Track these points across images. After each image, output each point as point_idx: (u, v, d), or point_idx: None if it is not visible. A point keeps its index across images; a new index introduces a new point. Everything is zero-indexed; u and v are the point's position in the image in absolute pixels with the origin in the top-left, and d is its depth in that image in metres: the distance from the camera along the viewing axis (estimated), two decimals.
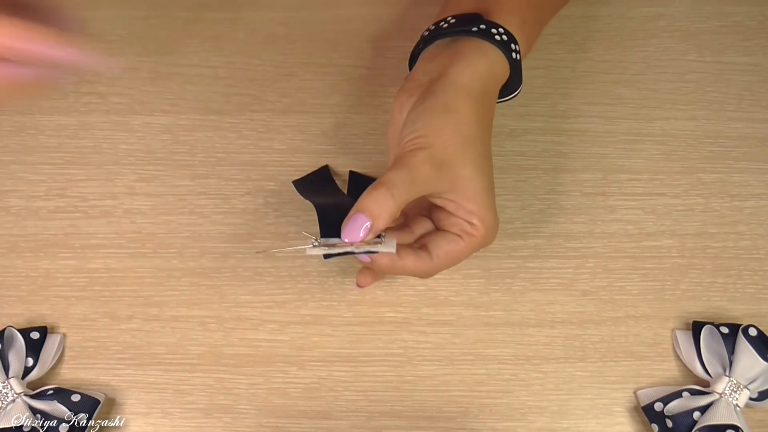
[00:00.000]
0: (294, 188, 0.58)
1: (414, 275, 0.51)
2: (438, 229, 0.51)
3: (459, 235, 0.50)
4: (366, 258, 0.48)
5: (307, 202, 0.57)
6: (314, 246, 0.47)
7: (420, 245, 0.50)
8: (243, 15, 0.66)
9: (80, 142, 0.62)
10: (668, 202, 0.61)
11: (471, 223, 0.49)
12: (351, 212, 0.47)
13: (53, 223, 0.60)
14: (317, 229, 0.52)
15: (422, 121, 0.49)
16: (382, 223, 0.47)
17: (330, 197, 0.56)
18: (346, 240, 0.47)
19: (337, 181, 0.59)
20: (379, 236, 0.48)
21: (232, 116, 0.63)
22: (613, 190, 0.61)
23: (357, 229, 0.46)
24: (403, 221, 0.52)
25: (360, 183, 0.54)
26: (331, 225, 0.48)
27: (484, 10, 0.53)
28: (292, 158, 0.61)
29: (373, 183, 0.47)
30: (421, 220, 0.52)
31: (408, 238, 0.51)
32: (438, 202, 0.50)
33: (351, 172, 0.58)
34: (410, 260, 0.49)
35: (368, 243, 0.47)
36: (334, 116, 0.63)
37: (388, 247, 0.47)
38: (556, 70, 0.65)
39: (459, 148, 0.49)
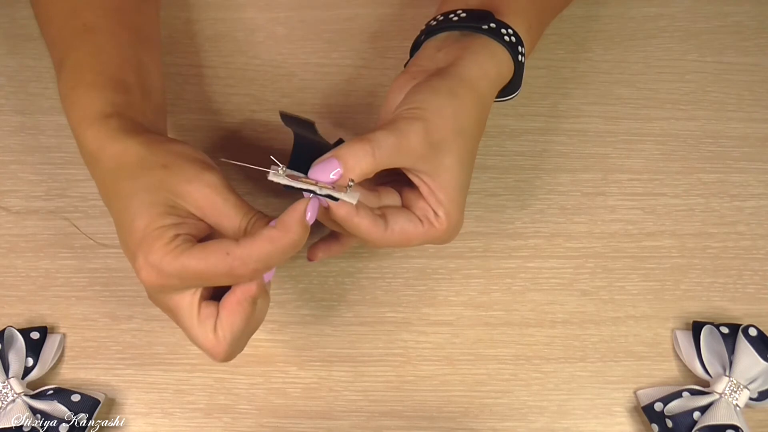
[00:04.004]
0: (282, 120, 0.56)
1: (363, 239, 0.49)
2: (404, 207, 0.50)
3: (420, 220, 0.49)
4: (324, 202, 0.46)
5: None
6: (277, 173, 0.45)
7: (380, 213, 0.49)
8: (243, 15, 0.66)
9: None
10: (668, 202, 0.61)
11: (436, 214, 0.49)
12: (326, 155, 0.46)
13: (53, 223, 0.60)
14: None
15: (424, 96, 0.49)
16: (352, 177, 0.46)
17: (314, 137, 0.54)
18: (312, 178, 0.46)
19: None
20: (345, 186, 0.46)
21: (232, 116, 0.63)
22: (613, 190, 0.61)
23: (326, 172, 0.45)
24: (373, 187, 0.51)
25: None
26: (303, 161, 0.47)
27: (492, 8, 0.53)
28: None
29: (360, 136, 0.46)
30: (390, 193, 0.51)
31: (373, 201, 0.50)
32: (414, 179, 0.49)
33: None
34: (366, 221, 0.47)
35: (332, 187, 0.46)
36: (334, 116, 0.63)
37: (350, 197, 0.46)
38: (557, 70, 0.65)
39: (451, 135, 0.48)
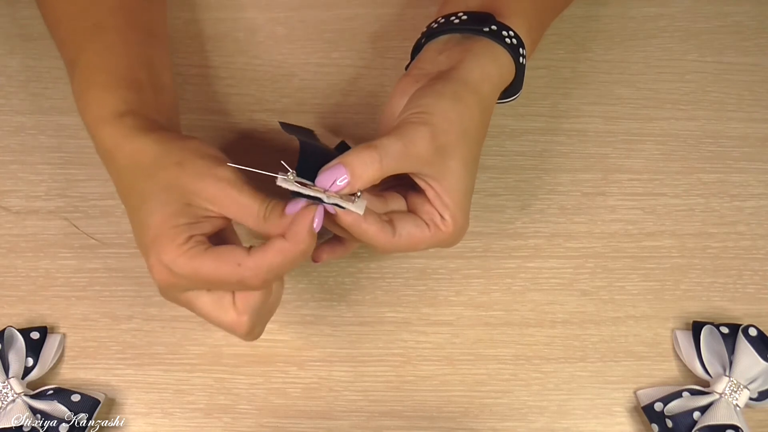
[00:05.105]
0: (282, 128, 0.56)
1: (372, 245, 0.49)
2: (410, 211, 0.51)
3: (427, 224, 0.49)
4: (332, 209, 0.47)
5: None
6: (286, 179, 0.46)
7: (388, 219, 0.49)
8: (243, 15, 0.66)
9: (80, 142, 0.62)
10: (668, 202, 0.61)
11: (442, 217, 0.49)
12: (334, 161, 0.46)
13: (53, 223, 0.60)
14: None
15: (429, 100, 0.49)
16: (360, 185, 0.46)
17: (316, 143, 0.54)
18: (319, 186, 0.46)
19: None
20: (353, 194, 0.47)
21: (232, 116, 0.63)
22: (613, 190, 0.61)
23: (334, 179, 0.46)
24: (379, 192, 0.51)
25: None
26: (309, 167, 0.47)
27: (493, 10, 0.53)
28: (292, 158, 0.61)
29: (367, 143, 0.47)
30: (396, 197, 0.51)
31: (380, 207, 0.50)
32: (420, 183, 0.49)
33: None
34: (373, 228, 0.48)
35: (340, 196, 0.46)
36: (334, 116, 0.63)
37: (357, 207, 0.46)
38: (557, 70, 0.65)
39: (456, 138, 0.49)
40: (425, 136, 0.47)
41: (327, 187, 0.46)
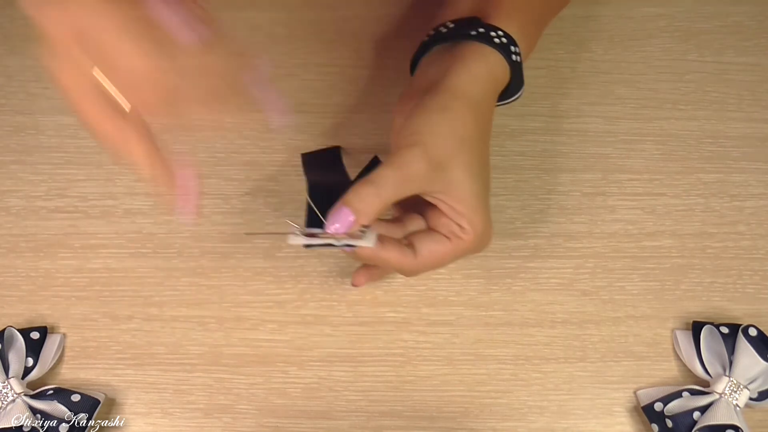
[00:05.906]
0: (300, 163, 0.57)
1: (397, 270, 0.50)
2: (429, 228, 0.51)
3: (447, 237, 0.50)
4: (348, 248, 0.48)
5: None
6: (296, 235, 0.47)
7: (408, 242, 0.50)
8: (243, 15, 0.66)
9: (80, 142, 0.62)
10: (668, 202, 0.61)
11: (461, 226, 0.49)
12: (336, 205, 0.47)
13: (53, 223, 0.60)
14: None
15: (418, 119, 0.49)
16: (365, 220, 0.46)
17: (331, 178, 0.55)
18: (328, 231, 0.47)
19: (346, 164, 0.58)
20: (362, 229, 0.47)
21: (232, 116, 0.63)
22: (613, 190, 0.61)
23: (339, 221, 0.46)
24: (397, 216, 0.52)
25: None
26: (319, 211, 0.48)
27: (483, 13, 0.53)
28: (292, 158, 0.61)
29: (363, 178, 0.47)
30: (414, 218, 0.52)
31: (398, 232, 0.51)
32: (431, 200, 0.49)
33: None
34: (393, 253, 0.48)
35: (349, 236, 0.47)
36: (334, 116, 0.63)
37: (367, 241, 0.47)
38: (557, 70, 0.65)
39: (453, 149, 0.49)
40: (417, 157, 0.48)
41: (334, 231, 0.46)
